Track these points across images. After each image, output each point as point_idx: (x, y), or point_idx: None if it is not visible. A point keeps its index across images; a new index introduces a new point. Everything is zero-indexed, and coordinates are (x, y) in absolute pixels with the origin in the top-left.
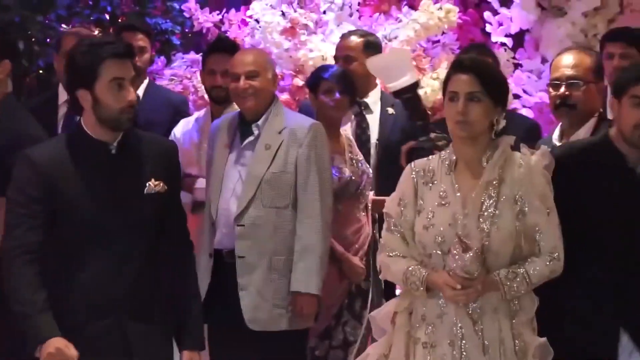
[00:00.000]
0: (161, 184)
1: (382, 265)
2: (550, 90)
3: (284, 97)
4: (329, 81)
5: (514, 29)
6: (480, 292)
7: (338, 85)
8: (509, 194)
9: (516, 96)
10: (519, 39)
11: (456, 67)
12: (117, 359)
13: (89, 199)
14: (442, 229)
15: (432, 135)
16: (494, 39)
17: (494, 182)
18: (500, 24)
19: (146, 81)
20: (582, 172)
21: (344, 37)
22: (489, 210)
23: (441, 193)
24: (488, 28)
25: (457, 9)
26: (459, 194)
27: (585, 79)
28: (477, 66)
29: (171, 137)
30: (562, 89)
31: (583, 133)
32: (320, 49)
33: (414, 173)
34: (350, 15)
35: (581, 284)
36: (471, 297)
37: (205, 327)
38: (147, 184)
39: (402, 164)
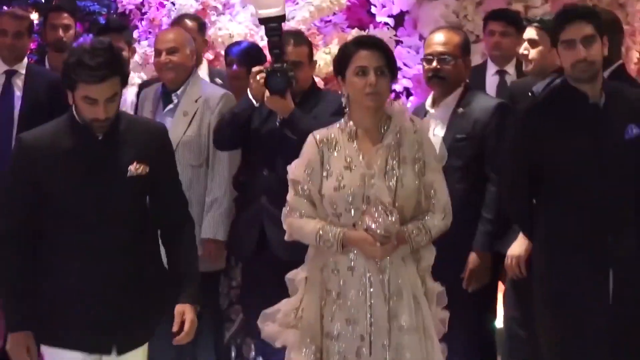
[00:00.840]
0: (142, 167)
1: (293, 227)
2: (424, 64)
3: None
4: (230, 56)
5: (395, 11)
6: (395, 247)
7: (237, 59)
8: (409, 155)
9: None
10: (399, 19)
11: (361, 44)
12: (97, 343)
13: (74, 184)
14: (352, 189)
15: (285, 65)
16: (378, 19)
17: (394, 145)
18: (384, 6)
19: None
20: (550, 116)
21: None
22: (394, 170)
23: (347, 158)
24: (373, 10)
25: None
26: (362, 158)
27: (454, 55)
28: (381, 43)
29: None
30: (434, 64)
31: (450, 100)
32: (228, 28)
33: (317, 142)
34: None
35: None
36: (389, 252)
37: None
38: (129, 168)
39: (250, 87)
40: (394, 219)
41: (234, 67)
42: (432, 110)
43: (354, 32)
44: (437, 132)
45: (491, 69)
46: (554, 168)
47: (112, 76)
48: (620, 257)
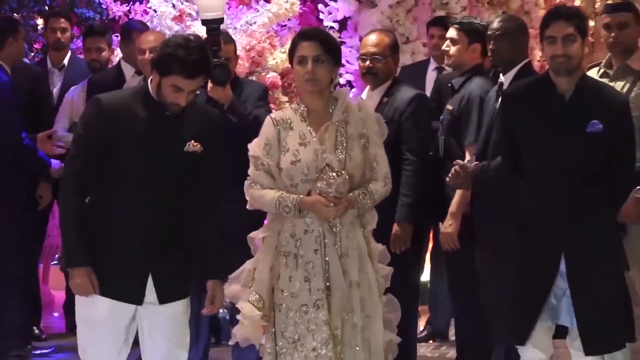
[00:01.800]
0: (199, 146)
1: (254, 197)
2: (360, 62)
3: None
4: None
5: (339, 17)
6: (346, 207)
7: None
8: (355, 131)
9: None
10: (343, 24)
11: (303, 36)
12: (137, 284)
13: (140, 148)
14: (306, 162)
15: (222, 59)
16: (325, 23)
17: (342, 123)
18: (330, 13)
19: (69, 53)
20: (526, 101)
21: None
22: (342, 145)
23: (301, 135)
24: (321, 16)
25: (298, 2)
26: (314, 135)
27: (384, 54)
28: (320, 34)
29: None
30: (367, 62)
31: (379, 91)
32: (201, 32)
33: (275, 122)
34: None
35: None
36: (340, 212)
37: None
38: (187, 144)
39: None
40: (343, 180)
41: None
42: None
43: None
44: None
45: (432, 65)
46: (524, 149)
47: (202, 74)
48: (573, 241)
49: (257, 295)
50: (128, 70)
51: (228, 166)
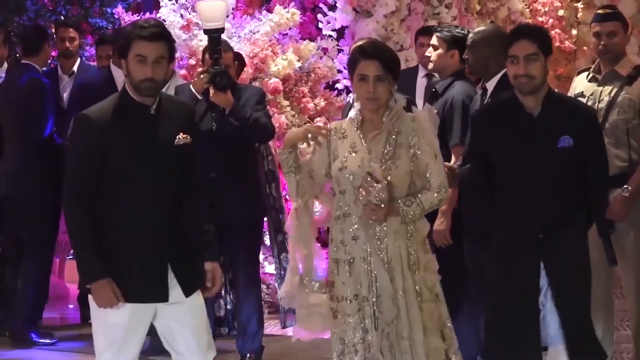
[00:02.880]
0: (188, 137)
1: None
2: None
3: (182, 72)
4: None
5: (337, 26)
6: (386, 214)
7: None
8: (405, 141)
9: (339, 71)
10: (341, 32)
11: (363, 54)
12: (159, 282)
13: (133, 150)
14: (353, 169)
15: (223, 67)
16: (324, 32)
17: (392, 133)
18: (328, 22)
19: (78, 60)
20: (496, 122)
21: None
22: (389, 154)
23: (352, 144)
24: (320, 25)
25: (299, 12)
26: (364, 144)
27: None
28: (380, 53)
29: None
30: None
31: None
32: (206, 40)
33: (330, 130)
34: (227, 16)
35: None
36: (381, 218)
37: None
38: (177, 137)
39: (194, 84)
40: (382, 188)
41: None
42: (356, 104)
43: (306, 43)
44: None
45: (421, 72)
46: (497, 167)
47: (161, 39)
48: (550, 253)
49: (317, 283)
50: (119, 74)
51: (225, 165)
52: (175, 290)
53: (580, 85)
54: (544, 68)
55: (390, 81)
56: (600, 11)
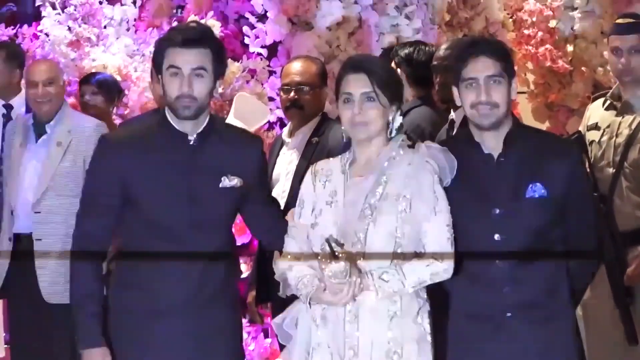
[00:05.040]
0: (237, 179)
1: (283, 271)
2: (282, 94)
3: (71, 100)
4: (84, 85)
5: (268, 41)
6: (355, 292)
7: (92, 89)
8: (393, 191)
9: (271, 99)
10: (273, 49)
11: (347, 67)
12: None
13: (162, 187)
14: (326, 227)
15: None
16: (251, 49)
17: (381, 181)
18: (257, 37)
19: None
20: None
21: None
22: (369, 210)
23: (331, 192)
24: (247, 40)
25: (219, 24)
26: (343, 195)
27: (312, 84)
28: (368, 64)
29: None
30: (292, 93)
31: (306, 129)
32: (102, 59)
33: (312, 173)
34: (128, 29)
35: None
36: (345, 299)
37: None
38: (223, 178)
39: None
40: (337, 267)
41: (87, 97)
42: (288, 140)
43: (229, 63)
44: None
45: None
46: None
47: (200, 44)
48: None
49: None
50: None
51: None
52: None
53: (595, 114)
54: (509, 95)
55: (385, 104)
56: (620, 20)
